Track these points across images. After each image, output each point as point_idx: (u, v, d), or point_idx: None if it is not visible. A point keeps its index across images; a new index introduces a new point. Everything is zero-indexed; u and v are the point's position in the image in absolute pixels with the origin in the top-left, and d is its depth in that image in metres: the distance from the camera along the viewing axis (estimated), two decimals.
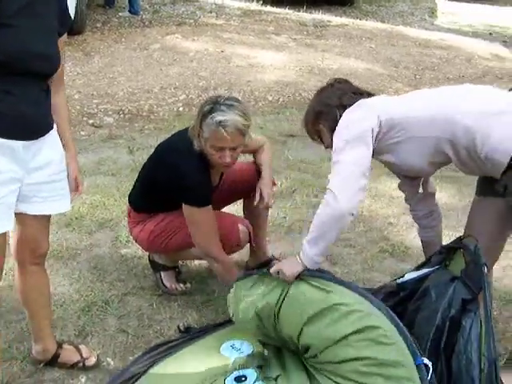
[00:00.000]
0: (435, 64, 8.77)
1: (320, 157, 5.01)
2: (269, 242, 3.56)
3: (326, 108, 2.62)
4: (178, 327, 2.90)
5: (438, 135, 2.35)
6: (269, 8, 11.46)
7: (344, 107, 2.55)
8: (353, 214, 2.34)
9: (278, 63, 8.16)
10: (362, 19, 11.32)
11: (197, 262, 3.48)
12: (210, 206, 2.85)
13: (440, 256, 2.61)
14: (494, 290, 3.20)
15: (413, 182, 2.77)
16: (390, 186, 4.48)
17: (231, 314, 2.74)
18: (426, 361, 2.09)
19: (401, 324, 2.20)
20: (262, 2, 11.72)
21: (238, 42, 9.06)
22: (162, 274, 3.24)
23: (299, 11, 11.32)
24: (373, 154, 2.46)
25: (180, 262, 3.41)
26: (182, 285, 3.24)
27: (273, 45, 9.08)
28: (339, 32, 10.19)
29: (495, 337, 2.20)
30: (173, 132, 3.24)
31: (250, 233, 3.06)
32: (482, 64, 8.92)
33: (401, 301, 2.53)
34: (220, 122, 2.64)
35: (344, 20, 11.06)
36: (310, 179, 4.66)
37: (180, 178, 2.79)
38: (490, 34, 11.10)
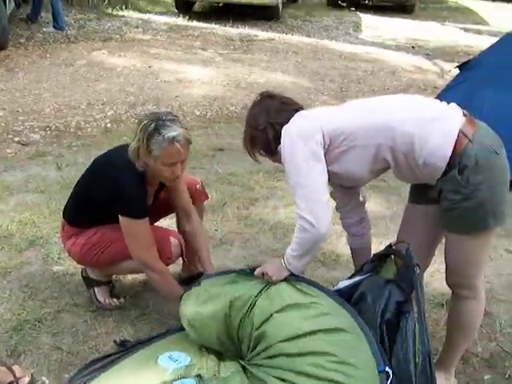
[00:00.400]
0: (360, 77, 8.99)
1: (249, 170, 5.11)
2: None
3: (257, 132, 2.65)
4: (115, 341, 2.91)
5: (379, 142, 2.43)
6: (195, 23, 11.54)
7: (274, 126, 2.60)
8: (328, 232, 2.48)
9: (206, 78, 8.22)
10: (288, 34, 11.50)
11: (130, 276, 3.50)
12: (147, 219, 2.88)
13: (372, 264, 2.72)
14: (425, 293, 3.34)
15: (346, 190, 2.83)
16: None
17: (185, 317, 2.77)
18: (387, 369, 2.19)
19: (370, 333, 2.31)
20: (188, 17, 11.77)
21: (165, 57, 9.10)
22: (96, 289, 3.24)
23: (226, 26, 11.44)
24: None
25: (114, 277, 3.41)
26: (116, 300, 3.25)
27: (200, 60, 9.15)
28: (266, 46, 10.35)
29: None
30: (102, 148, 3.28)
31: (181, 246, 3.11)
32: (405, 76, 9.19)
33: None
34: (173, 137, 2.70)
35: (270, 34, 11.24)
36: (240, 192, 4.73)
37: (119, 190, 2.82)
38: (413, 47, 11.46)
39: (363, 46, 11.11)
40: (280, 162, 2.62)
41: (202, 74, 8.37)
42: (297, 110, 2.65)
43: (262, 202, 4.60)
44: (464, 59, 7.08)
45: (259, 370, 2.44)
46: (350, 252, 3.10)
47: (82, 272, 3.34)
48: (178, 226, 3.34)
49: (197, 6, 12.96)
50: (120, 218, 2.86)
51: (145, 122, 2.77)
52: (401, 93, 8.28)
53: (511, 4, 17.46)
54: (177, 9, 12.40)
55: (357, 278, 2.72)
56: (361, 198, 2.91)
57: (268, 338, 2.46)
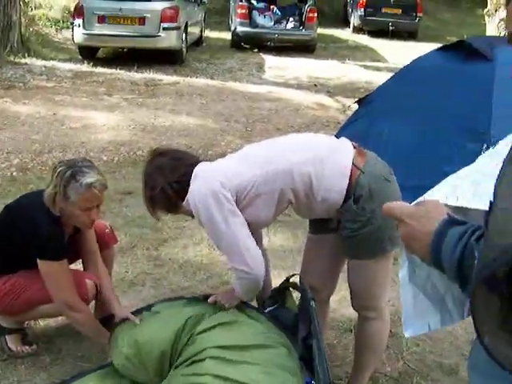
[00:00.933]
0: (265, 116, 9.24)
1: None
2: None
3: (155, 192, 2.67)
4: None
5: (282, 186, 2.56)
6: (100, 69, 11.58)
7: (171, 184, 2.64)
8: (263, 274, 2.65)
9: (112, 123, 8.28)
10: (193, 77, 11.68)
11: (42, 322, 3.52)
12: (66, 260, 2.95)
13: (272, 299, 2.92)
14: (333, 320, 3.53)
15: None
16: None
17: (120, 349, 2.82)
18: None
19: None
20: (92, 64, 11.81)
21: (70, 103, 9.11)
22: (7, 337, 3.26)
23: (130, 71, 11.52)
24: None
25: (26, 324, 3.42)
26: (28, 347, 3.27)
27: (105, 105, 9.21)
28: (170, 90, 10.50)
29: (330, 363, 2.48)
30: (8, 197, 3.30)
31: (96, 287, 3.18)
32: (309, 113, 9.49)
33: None
34: (91, 183, 2.81)
35: (175, 78, 11.39)
36: (149, 233, 4.82)
37: (34, 233, 2.89)
38: (315, 85, 11.83)
39: (267, 86, 11.41)
40: (186, 214, 2.75)
41: (108, 119, 8.43)
42: (192, 165, 2.70)
43: (171, 242, 4.71)
44: (364, 95, 7.44)
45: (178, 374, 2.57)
46: None
47: None
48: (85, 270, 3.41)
49: (101, 52, 13.00)
50: (38, 261, 2.91)
51: (61, 168, 2.85)
52: (305, 129, 8.61)
53: (407, 42, 18.30)
54: (81, 55, 12.40)
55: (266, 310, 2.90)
56: (259, 235, 3.04)
57: (198, 343, 2.61)
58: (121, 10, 11.72)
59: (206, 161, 2.80)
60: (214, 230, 2.59)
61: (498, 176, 1.03)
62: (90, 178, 2.82)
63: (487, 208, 1.04)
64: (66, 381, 2.94)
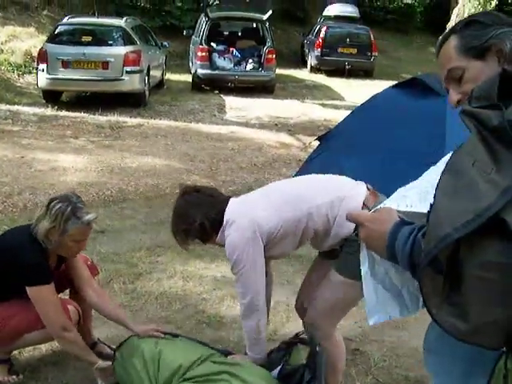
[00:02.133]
0: (228, 155, 9.50)
1: (131, 248, 5.43)
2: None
3: (193, 226, 2.99)
4: None
5: (305, 227, 2.95)
6: (64, 112, 11.76)
7: (209, 219, 2.98)
8: None
9: (79, 165, 8.45)
10: (156, 118, 11.91)
11: (27, 353, 3.66)
12: (53, 284, 3.15)
13: (280, 353, 3.18)
14: None
15: None
16: (199, 266, 5.01)
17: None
18: None
19: None
20: (57, 108, 11.98)
21: (37, 147, 9.27)
22: None
23: (95, 114, 11.72)
24: None
25: (14, 352, 3.55)
26: (15, 376, 3.40)
27: (72, 148, 9.39)
28: (135, 132, 10.74)
29: None
30: None
31: (79, 312, 3.36)
32: (271, 152, 9.78)
33: None
34: (90, 221, 3.13)
35: (139, 120, 11.63)
36: (125, 268, 5.01)
37: (21, 262, 3.10)
38: (276, 124, 12.18)
39: (229, 126, 11.71)
40: (217, 244, 3.09)
41: (76, 161, 8.60)
42: (225, 201, 3.07)
43: (145, 276, 4.90)
44: (324, 132, 7.76)
45: None
46: (231, 313, 3.48)
47: None
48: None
49: (64, 96, 13.19)
50: (28, 289, 3.09)
51: (59, 205, 3.09)
52: (267, 167, 8.83)
53: (363, 80, 18.86)
54: (45, 99, 12.56)
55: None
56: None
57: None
58: (84, 54, 11.98)
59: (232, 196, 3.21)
60: (240, 272, 2.95)
61: (437, 184, 1.31)
62: (88, 215, 3.13)
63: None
64: None
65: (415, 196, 1.62)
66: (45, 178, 7.78)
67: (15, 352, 3.61)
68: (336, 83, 18.14)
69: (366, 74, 20.00)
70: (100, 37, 12.87)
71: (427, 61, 19.89)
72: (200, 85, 15.55)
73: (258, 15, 16.22)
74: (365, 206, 2.89)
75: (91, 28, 13.00)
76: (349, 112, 7.72)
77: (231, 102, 14.43)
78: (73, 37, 12.77)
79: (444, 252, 1.21)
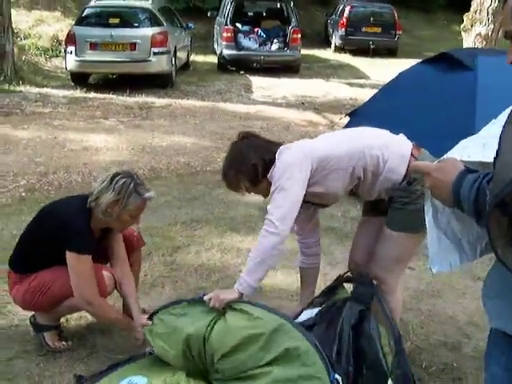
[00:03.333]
0: (257, 133, 9.50)
1: (167, 223, 5.52)
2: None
3: (247, 166, 3.09)
4: (75, 375, 3.18)
5: (355, 165, 3.01)
6: (93, 94, 11.88)
7: (265, 161, 3.06)
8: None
9: (111, 145, 8.56)
10: (184, 99, 12.00)
11: (74, 321, 3.78)
12: (90, 256, 3.25)
13: (321, 298, 3.22)
14: None
15: (306, 214, 3.31)
16: (236, 239, 5.10)
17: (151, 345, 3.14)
18: (337, 376, 2.58)
19: (317, 343, 2.68)
20: (85, 90, 12.11)
21: (68, 127, 9.40)
22: (45, 334, 3.51)
23: (123, 96, 11.83)
24: None
25: (61, 321, 3.67)
26: (64, 342, 3.53)
27: (102, 128, 9.50)
28: (164, 112, 10.83)
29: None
30: (22, 215, 3.60)
31: (114, 278, 3.45)
32: (298, 130, 9.82)
33: None
34: (149, 198, 3.30)
35: (167, 101, 11.72)
36: (162, 242, 5.10)
37: (69, 225, 3.22)
38: (302, 103, 12.21)
39: (256, 106, 11.77)
40: (260, 193, 3.17)
41: (107, 141, 8.71)
42: (278, 146, 3.15)
43: (184, 249, 4.99)
44: (350, 110, 7.79)
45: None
46: (274, 282, 3.52)
47: (30, 318, 3.60)
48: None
49: (92, 79, 13.32)
50: (67, 253, 3.21)
51: (123, 180, 3.23)
52: None
53: (387, 59, 18.79)
54: (73, 82, 12.70)
55: (315, 310, 3.18)
56: (317, 221, 3.45)
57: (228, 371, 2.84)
58: (112, 36, 12.08)
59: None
60: (281, 186, 2.94)
61: (501, 132, 1.37)
62: (149, 192, 3.30)
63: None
64: (103, 371, 3.19)
65: (476, 147, 1.68)
66: (78, 157, 7.90)
67: (63, 320, 3.73)
68: (360, 62, 18.11)
69: (390, 52, 19.96)
70: (127, 19, 12.96)
71: (451, 39, 19.79)
72: (226, 65, 15.61)
73: None
74: (412, 155, 2.98)
75: (118, 10, 13.10)
76: (375, 91, 7.73)
77: (257, 81, 14.47)
78: (100, 19, 12.87)
79: (510, 195, 1.27)
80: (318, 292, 3.83)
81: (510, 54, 1.69)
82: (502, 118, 1.58)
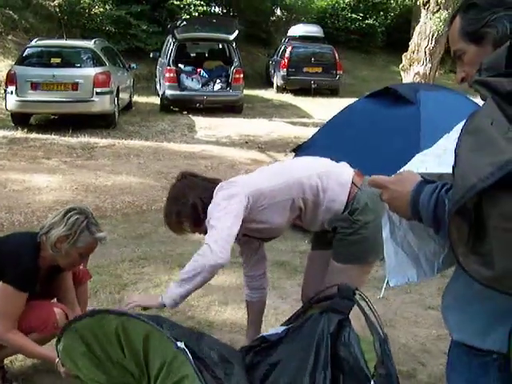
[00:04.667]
0: (202, 171, 9.40)
1: (114, 261, 5.44)
2: None
3: (186, 206, 3.08)
4: None
5: (294, 196, 3.01)
6: (35, 135, 11.69)
7: (203, 200, 3.05)
8: (222, 265, 2.87)
9: (54, 185, 8.43)
10: (127, 139, 11.92)
11: (19, 362, 3.65)
12: (25, 295, 3.14)
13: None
14: None
15: (252, 247, 3.32)
16: None
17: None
18: (179, 344, 2.49)
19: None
20: (27, 130, 11.91)
21: (9, 168, 9.22)
22: None
23: (65, 136, 11.68)
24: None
25: (6, 361, 3.54)
26: None
27: (45, 168, 9.36)
28: (107, 152, 10.73)
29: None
30: None
31: (66, 315, 3.35)
32: (244, 168, 9.78)
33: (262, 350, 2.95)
34: (101, 239, 3.22)
35: (110, 141, 11.63)
36: (110, 279, 5.02)
37: (12, 257, 3.14)
38: (246, 142, 12.31)
39: (200, 145, 11.78)
40: (204, 233, 3.05)
41: (50, 181, 8.58)
42: (217, 182, 3.15)
43: (131, 286, 4.91)
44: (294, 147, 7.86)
45: None
46: (221, 318, 3.49)
47: None
48: None
49: (33, 119, 13.12)
50: (1, 284, 3.11)
51: (76, 216, 3.16)
52: None
53: (329, 98, 19.14)
54: (13, 122, 12.48)
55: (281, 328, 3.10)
56: (263, 254, 3.41)
57: None
58: (54, 76, 11.94)
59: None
60: (215, 215, 2.93)
61: (457, 143, 1.41)
62: (102, 233, 3.23)
63: (451, 170, 1.41)
64: None
65: (432, 159, 1.72)
66: (20, 197, 7.75)
67: (7, 361, 3.60)
68: (303, 102, 18.38)
69: (332, 92, 20.35)
70: (69, 58, 12.86)
71: (390, 79, 20.27)
72: (169, 106, 15.63)
73: (224, 36, 16.34)
74: (353, 183, 3.00)
75: (60, 50, 12.99)
76: (318, 129, 7.86)
77: (200, 121, 14.51)
78: (41, 59, 12.71)
79: (471, 201, 1.30)
80: (265, 327, 3.82)
81: (459, 73, 1.74)
82: (454, 132, 1.63)
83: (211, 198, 3.04)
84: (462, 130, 1.41)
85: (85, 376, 2.81)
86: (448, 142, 1.68)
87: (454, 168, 1.41)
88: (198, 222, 3.11)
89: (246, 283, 3.46)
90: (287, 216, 3.08)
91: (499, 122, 1.31)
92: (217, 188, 3.07)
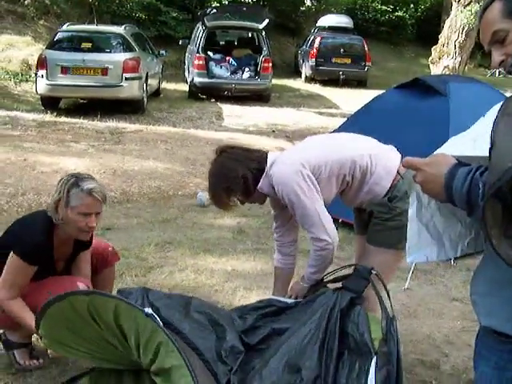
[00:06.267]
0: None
1: (140, 244, 5.46)
2: None
3: (235, 180, 3.01)
4: None
5: (346, 172, 3.02)
6: (63, 119, 11.78)
7: (252, 171, 3.02)
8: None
9: (82, 168, 8.44)
10: (155, 125, 11.96)
11: None
12: (32, 268, 3.18)
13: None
14: None
15: (286, 213, 3.24)
16: (209, 260, 5.06)
17: None
18: (146, 309, 2.55)
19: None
20: (55, 114, 12.01)
21: (39, 150, 9.29)
22: (16, 352, 3.43)
23: (94, 120, 11.75)
24: None
25: (33, 338, 3.57)
26: (35, 361, 3.44)
27: (74, 152, 9.41)
28: (135, 137, 10.76)
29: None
30: None
31: (89, 288, 3.37)
32: None
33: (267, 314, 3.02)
34: (91, 189, 3.08)
35: (138, 126, 11.66)
36: (135, 263, 5.05)
37: (23, 230, 3.20)
38: (273, 131, 12.28)
39: (227, 133, 11.77)
40: (256, 202, 3.17)
41: (78, 164, 8.62)
42: (262, 155, 3.13)
43: (157, 269, 4.94)
44: None
45: None
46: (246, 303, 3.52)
47: (0, 336, 3.51)
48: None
49: (62, 103, 13.22)
50: (11, 253, 3.15)
51: (64, 177, 3.16)
52: None
53: (357, 89, 19.03)
54: (43, 106, 12.58)
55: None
56: (295, 223, 3.31)
57: None
58: (84, 61, 12.02)
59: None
60: (300, 205, 2.95)
61: (494, 125, 1.39)
62: (90, 184, 3.12)
63: (486, 153, 1.40)
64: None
65: (467, 142, 1.71)
66: (48, 179, 7.79)
67: (34, 338, 3.63)
68: (330, 92, 18.28)
69: (360, 83, 20.20)
70: (99, 44, 12.91)
71: (419, 72, 20.06)
72: (197, 93, 15.65)
73: (254, 24, 16.31)
74: (397, 171, 3.01)
75: (90, 35, 13.06)
76: (345, 119, 7.82)
77: (228, 109, 14.51)
78: (72, 43, 12.81)
79: (509, 183, 1.29)
80: None
81: (497, 56, 1.71)
82: (489, 116, 1.61)
83: (259, 168, 3.04)
84: (498, 112, 1.40)
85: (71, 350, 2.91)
86: (483, 126, 1.67)
87: (490, 150, 1.40)
88: (250, 193, 3.10)
89: (276, 248, 3.40)
90: (334, 191, 3.10)
91: None
92: (270, 160, 3.06)
